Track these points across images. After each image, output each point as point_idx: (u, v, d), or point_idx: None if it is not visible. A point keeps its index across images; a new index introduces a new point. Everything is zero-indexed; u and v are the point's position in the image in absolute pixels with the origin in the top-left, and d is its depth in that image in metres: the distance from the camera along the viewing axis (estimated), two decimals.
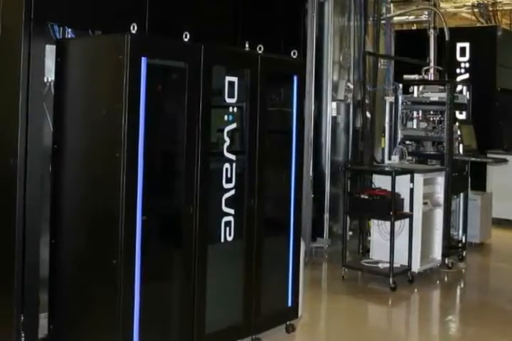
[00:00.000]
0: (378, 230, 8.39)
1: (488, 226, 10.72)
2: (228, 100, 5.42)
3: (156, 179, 4.95)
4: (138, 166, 4.64)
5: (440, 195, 8.76)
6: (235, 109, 5.50)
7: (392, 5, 11.59)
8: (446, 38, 10.82)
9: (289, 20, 7.50)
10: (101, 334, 4.83)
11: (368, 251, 8.80)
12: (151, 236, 4.87)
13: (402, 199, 8.07)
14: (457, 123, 9.30)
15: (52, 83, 5.11)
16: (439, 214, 8.72)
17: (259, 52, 5.76)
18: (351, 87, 10.19)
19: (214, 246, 5.36)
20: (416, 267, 8.24)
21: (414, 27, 14.14)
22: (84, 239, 4.97)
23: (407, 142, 9.59)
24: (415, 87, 9.71)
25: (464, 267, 9.20)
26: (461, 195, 9.53)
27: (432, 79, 10.23)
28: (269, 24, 6.99)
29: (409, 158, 9.47)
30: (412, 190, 8.09)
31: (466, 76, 12.96)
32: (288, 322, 6.16)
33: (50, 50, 5.04)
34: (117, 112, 4.58)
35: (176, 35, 5.11)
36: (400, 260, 8.02)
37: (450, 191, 8.87)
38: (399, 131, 9.59)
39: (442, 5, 13.98)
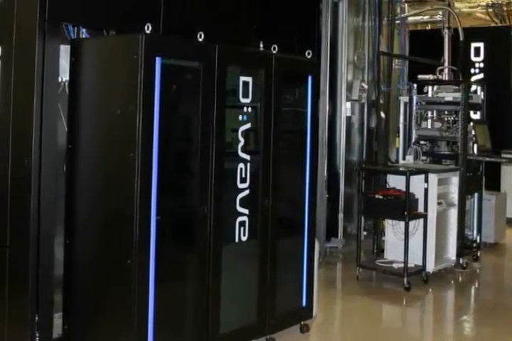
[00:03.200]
0: (392, 230, 8.38)
1: (503, 226, 10.69)
2: (242, 100, 5.42)
3: (170, 179, 4.94)
4: (152, 166, 4.63)
5: (454, 195, 8.73)
6: (250, 109, 5.50)
7: (406, 5, 11.58)
8: (461, 38, 10.76)
9: (304, 20, 7.47)
10: (115, 334, 4.83)
11: (383, 251, 8.79)
12: (166, 237, 4.86)
13: (417, 200, 8.05)
14: (471, 123, 9.27)
15: (66, 83, 5.12)
16: (453, 214, 8.69)
17: (274, 52, 5.76)
18: (365, 87, 10.20)
19: (228, 246, 5.35)
20: (430, 267, 8.22)
21: (429, 27, 14.10)
22: (98, 239, 4.98)
23: (422, 142, 9.57)
24: (430, 87, 9.69)
25: (478, 267, 9.19)
26: (476, 194, 9.50)
27: (447, 79, 10.19)
28: (284, 24, 6.97)
29: (424, 158, 9.44)
30: (426, 190, 8.07)
31: (481, 76, 12.95)
32: (302, 322, 6.16)
33: (65, 50, 5.04)
34: (132, 112, 4.58)
35: (190, 36, 5.11)
36: (415, 260, 8.02)
37: (464, 191, 8.85)
38: (413, 131, 9.57)
39: (456, 5, 13.90)
